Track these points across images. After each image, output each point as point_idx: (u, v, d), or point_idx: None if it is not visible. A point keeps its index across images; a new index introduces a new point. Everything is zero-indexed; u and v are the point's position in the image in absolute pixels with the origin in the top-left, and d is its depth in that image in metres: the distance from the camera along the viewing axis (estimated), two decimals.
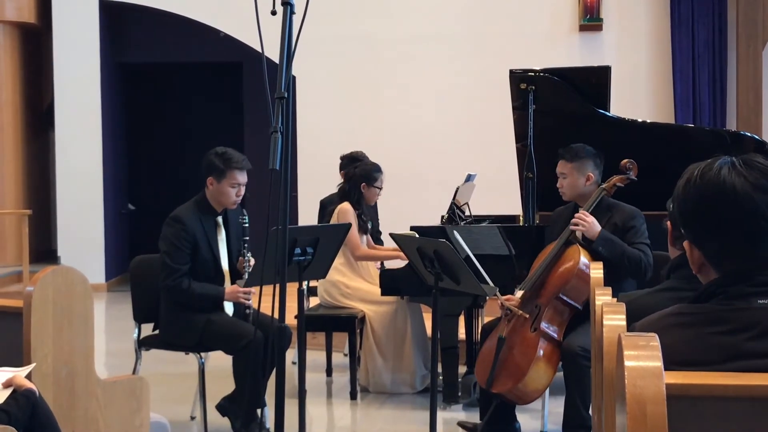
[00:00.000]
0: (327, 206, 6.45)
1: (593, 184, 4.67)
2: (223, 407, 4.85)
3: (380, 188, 5.90)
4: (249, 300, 4.73)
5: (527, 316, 4.45)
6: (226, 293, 4.77)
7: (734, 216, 1.74)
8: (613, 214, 4.60)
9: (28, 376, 3.15)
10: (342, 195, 5.90)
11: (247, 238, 4.81)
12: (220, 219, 4.88)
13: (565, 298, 4.41)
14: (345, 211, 5.75)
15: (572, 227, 4.51)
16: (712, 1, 9.63)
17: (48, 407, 3.07)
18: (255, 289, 4.67)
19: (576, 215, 4.54)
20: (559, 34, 9.90)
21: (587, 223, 4.47)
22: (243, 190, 4.83)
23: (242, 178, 4.80)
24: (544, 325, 4.38)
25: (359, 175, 5.84)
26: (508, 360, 4.42)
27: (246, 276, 4.75)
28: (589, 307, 4.19)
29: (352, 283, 5.83)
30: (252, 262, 4.79)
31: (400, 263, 5.55)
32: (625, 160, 4.67)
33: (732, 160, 1.78)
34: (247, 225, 4.82)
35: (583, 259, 4.39)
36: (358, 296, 5.78)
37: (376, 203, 6.35)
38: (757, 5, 9.51)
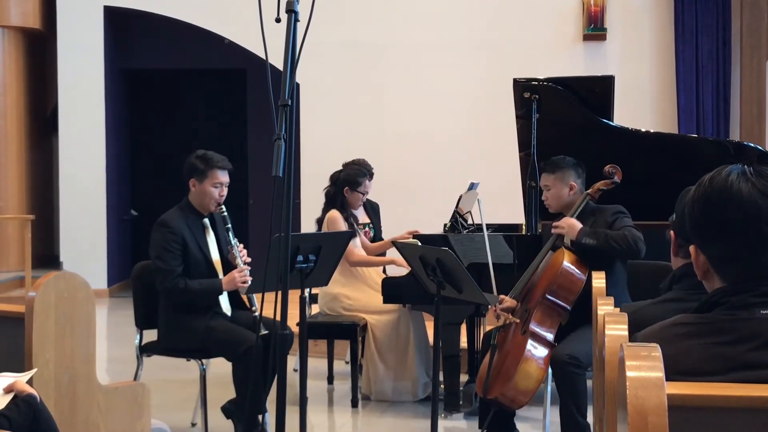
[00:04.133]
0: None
1: (577, 193, 4.73)
2: (228, 410, 4.85)
3: (363, 193, 5.90)
4: (246, 283, 4.72)
5: (518, 320, 4.51)
6: (223, 283, 4.79)
7: (738, 220, 1.75)
8: (597, 217, 4.67)
9: (30, 382, 3.15)
10: (328, 198, 5.91)
11: (229, 226, 4.84)
12: (206, 221, 4.91)
13: (551, 298, 4.45)
14: (334, 219, 5.76)
15: (554, 231, 4.62)
16: (716, 11, 9.64)
17: (49, 413, 3.07)
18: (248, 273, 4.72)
19: (555, 225, 4.64)
20: (563, 43, 9.91)
21: (566, 225, 4.57)
22: (225, 190, 4.87)
23: (224, 177, 4.84)
24: (533, 326, 4.42)
25: (343, 180, 5.85)
26: (500, 365, 4.46)
27: (239, 262, 4.79)
28: (582, 314, 4.26)
29: (354, 293, 5.82)
30: (240, 247, 4.82)
31: (403, 270, 5.55)
32: (609, 165, 4.72)
33: (743, 168, 1.79)
34: (225, 214, 4.85)
35: (567, 259, 4.47)
36: (360, 307, 5.77)
37: (378, 211, 6.35)
38: (761, 17, 9.52)
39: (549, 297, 4.45)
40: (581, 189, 4.74)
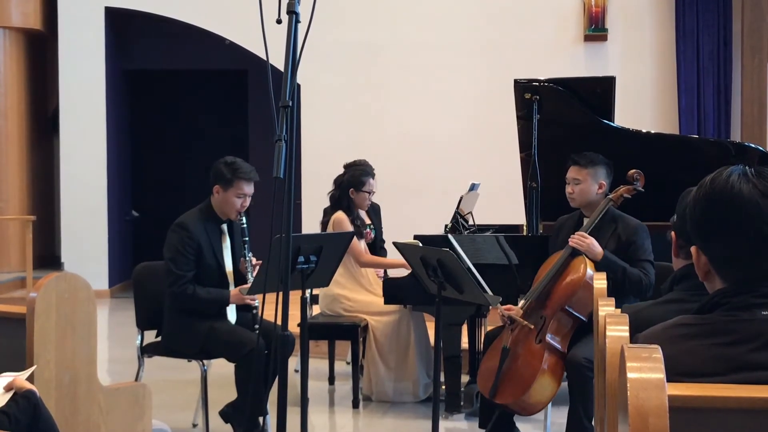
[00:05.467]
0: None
1: (603, 193, 4.67)
2: (227, 414, 4.84)
3: (369, 193, 5.89)
4: (255, 300, 4.75)
5: (532, 326, 4.42)
6: (231, 296, 4.78)
7: (739, 221, 1.75)
8: (618, 226, 4.59)
9: (30, 379, 3.15)
10: (333, 202, 5.91)
11: (247, 238, 4.83)
12: (224, 226, 4.90)
13: (570, 310, 4.39)
14: (340, 221, 5.75)
15: (572, 243, 4.50)
16: (717, 12, 9.64)
17: (48, 412, 3.07)
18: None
19: (574, 236, 4.53)
20: (564, 44, 9.90)
21: (585, 243, 4.47)
22: (248, 201, 4.85)
23: (249, 189, 4.82)
24: (548, 337, 4.36)
25: (347, 182, 5.85)
26: (512, 371, 4.40)
27: (249, 277, 4.77)
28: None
29: (354, 295, 5.82)
30: (254, 261, 4.82)
31: (403, 271, 5.55)
32: (633, 171, 4.66)
33: (744, 169, 1.79)
34: (245, 226, 4.84)
35: (590, 270, 4.36)
36: (360, 309, 5.76)
37: (379, 212, 6.34)
38: (762, 17, 9.52)
39: (568, 308, 4.39)
40: (607, 189, 4.70)
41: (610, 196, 4.63)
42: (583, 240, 4.48)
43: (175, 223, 4.81)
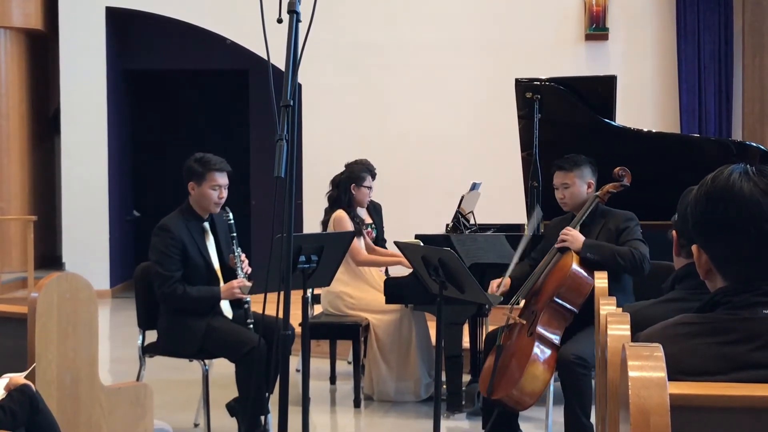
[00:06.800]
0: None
1: (593, 191, 4.69)
2: (233, 408, 4.85)
3: (370, 188, 5.91)
4: (246, 294, 4.75)
5: (524, 322, 4.48)
6: (221, 292, 4.79)
7: (740, 219, 1.75)
8: (608, 220, 4.65)
9: (31, 377, 3.16)
10: (332, 202, 5.91)
11: (234, 234, 4.84)
12: (206, 224, 4.90)
13: (559, 301, 4.43)
14: (341, 219, 5.76)
15: (558, 246, 4.54)
16: (718, 11, 9.64)
17: (49, 410, 3.08)
18: (249, 283, 4.71)
19: (560, 235, 4.57)
20: (565, 43, 9.91)
21: (570, 236, 4.51)
22: (224, 192, 4.86)
23: (222, 179, 4.83)
24: (540, 329, 4.40)
25: (346, 178, 5.86)
26: (506, 366, 4.44)
27: (239, 272, 4.77)
28: (587, 315, 4.24)
29: (357, 293, 5.82)
30: (243, 257, 4.83)
31: (405, 270, 5.55)
32: (618, 168, 4.69)
33: (745, 167, 1.79)
34: (232, 222, 4.85)
35: (576, 262, 4.44)
36: (363, 306, 5.77)
37: (381, 211, 6.35)
38: (764, 16, 9.52)
39: (557, 300, 4.42)
40: (595, 189, 4.72)
41: (597, 194, 4.67)
42: (567, 234, 4.54)
43: (157, 227, 4.82)
